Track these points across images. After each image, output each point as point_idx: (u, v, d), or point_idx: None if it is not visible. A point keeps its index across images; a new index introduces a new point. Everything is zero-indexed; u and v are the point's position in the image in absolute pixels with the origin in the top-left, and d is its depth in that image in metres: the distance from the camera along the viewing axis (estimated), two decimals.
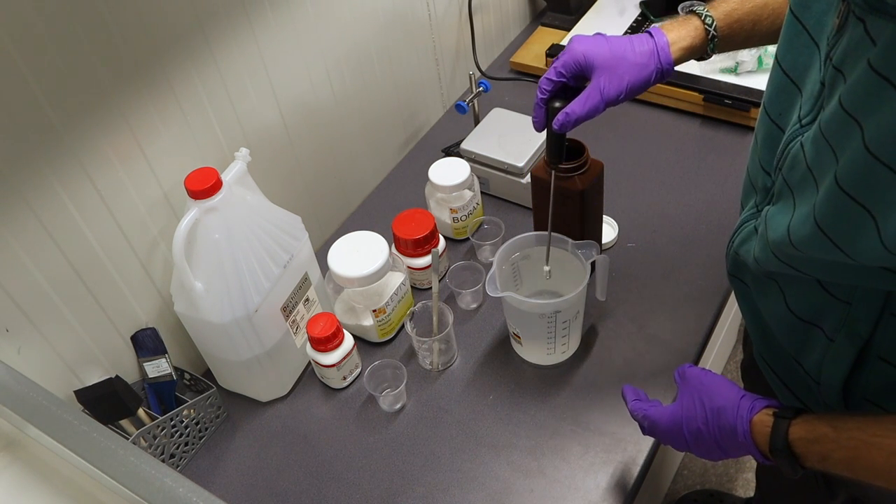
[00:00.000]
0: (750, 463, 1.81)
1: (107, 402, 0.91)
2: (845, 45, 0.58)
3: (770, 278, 0.77)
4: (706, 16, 0.81)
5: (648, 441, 0.94)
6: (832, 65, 0.60)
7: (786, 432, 0.68)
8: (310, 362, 1.07)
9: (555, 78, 0.82)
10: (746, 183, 0.81)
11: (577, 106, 0.81)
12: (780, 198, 0.69)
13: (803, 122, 0.65)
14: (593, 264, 0.98)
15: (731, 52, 1.33)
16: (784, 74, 0.69)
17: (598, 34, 0.83)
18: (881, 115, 0.53)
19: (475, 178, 1.18)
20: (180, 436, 0.97)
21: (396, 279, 1.07)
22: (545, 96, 0.84)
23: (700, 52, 0.84)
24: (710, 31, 0.81)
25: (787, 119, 0.69)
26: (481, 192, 1.24)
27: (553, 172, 0.93)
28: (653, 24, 1.49)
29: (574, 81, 0.83)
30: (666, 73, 0.82)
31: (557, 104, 0.83)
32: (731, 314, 1.66)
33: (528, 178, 1.18)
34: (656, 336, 1.05)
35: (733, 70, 1.36)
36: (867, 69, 0.54)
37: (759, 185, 0.76)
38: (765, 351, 0.86)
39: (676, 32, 0.82)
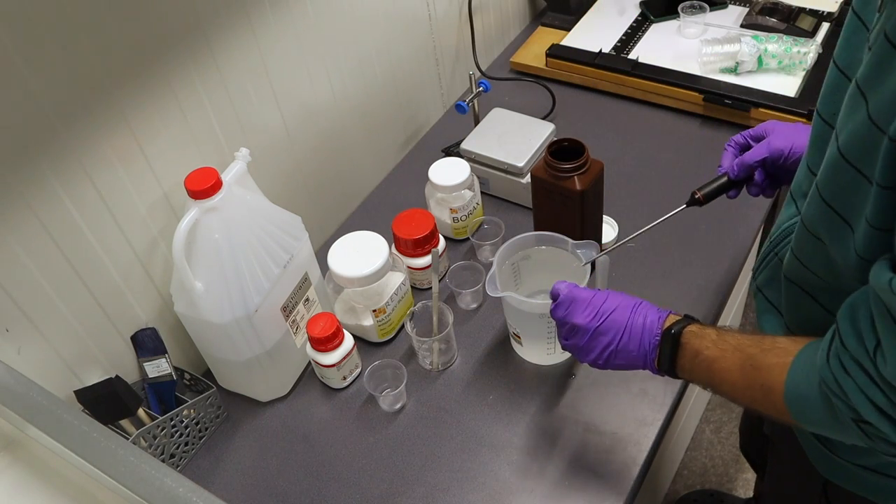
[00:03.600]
0: None
1: (107, 402, 0.91)
2: (881, 22, 0.58)
3: (801, 290, 0.75)
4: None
5: (648, 441, 0.94)
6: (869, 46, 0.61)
7: (685, 325, 0.77)
8: (310, 362, 1.07)
9: (739, 141, 0.95)
10: (787, 197, 0.82)
11: (750, 158, 0.91)
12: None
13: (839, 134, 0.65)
14: (593, 264, 0.98)
15: (730, 52, 1.34)
16: (840, 72, 0.69)
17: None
18: (887, 84, 0.53)
19: (475, 178, 1.18)
20: (180, 436, 0.97)
21: (396, 279, 1.07)
22: (730, 156, 0.95)
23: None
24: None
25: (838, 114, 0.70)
26: (481, 192, 1.24)
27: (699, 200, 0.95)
28: (652, 24, 1.49)
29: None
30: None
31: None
32: (731, 314, 1.66)
33: (528, 178, 1.18)
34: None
35: (733, 70, 1.36)
36: (883, 39, 0.54)
37: (802, 191, 0.76)
38: None
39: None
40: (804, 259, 0.71)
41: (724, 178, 0.93)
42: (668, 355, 0.78)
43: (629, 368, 0.82)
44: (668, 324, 0.79)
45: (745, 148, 0.95)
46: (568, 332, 0.85)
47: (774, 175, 0.93)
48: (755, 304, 0.88)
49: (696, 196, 0.93)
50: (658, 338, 0.79)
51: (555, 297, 0.85)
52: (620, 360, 0.81)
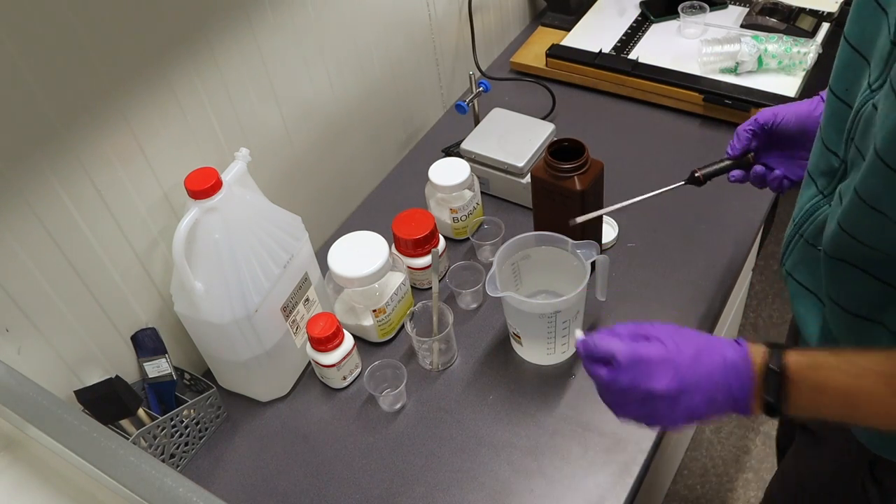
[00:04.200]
0: (750, 463, 1.81)
1: (107, 402, 0.91)
2: None
3: (851, 266, 0.71)
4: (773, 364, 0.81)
5: (648, 441, 0.94)
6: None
7: (781, 356, 0.64)
8: (310, 362, 1.07)
9: (750, 128, 0.95)
10: (805, 178, 0.83)
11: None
12: (853, 167, 0.69)
13: (873, 86, 0.66)
14: (593, 264, 0.98)
15: (730, 52, 1.34)
16: (852, 49, 0.70)
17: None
18: None
19: (475, 178, 1.18)
20: (180, 436, 0.97)
21: (396, 279, 1.07)
22: (739, 148, 0.96)
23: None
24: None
25: (854, 92, 0.70)
26: (481, 192, 1.24)
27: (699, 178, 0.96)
28: (652, 24, 1.49)
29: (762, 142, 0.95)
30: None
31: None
32: (732, 314, 1.66)
33: (528, 178, 1.18)
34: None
35: (733, 70, 1.36)
36: None
37: (821, 170, 0.77)
38: None
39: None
40: (859, 234, 0.66)
41: (726, 160, 0.94)
42: (774, 394, 0.65)
43: (709, 422, 0.75)
44: (755, 358, 0.66)
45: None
46: (637, 402, 0.68)
47: (771, 146, 0.94)
48: (788, 290, 0.87)
49: (696, 175, 0.93)
50: (752, 380, 0.65)
51: (606, 359, 0.69)
52: (705, 415, 0.67)
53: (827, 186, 0.77)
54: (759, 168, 0.96)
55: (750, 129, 0.93)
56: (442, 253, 1.14)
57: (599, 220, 1.11)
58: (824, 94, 0.84)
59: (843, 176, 0.73)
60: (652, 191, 0.93)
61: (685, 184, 0.93)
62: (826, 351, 0.66)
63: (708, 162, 0.97)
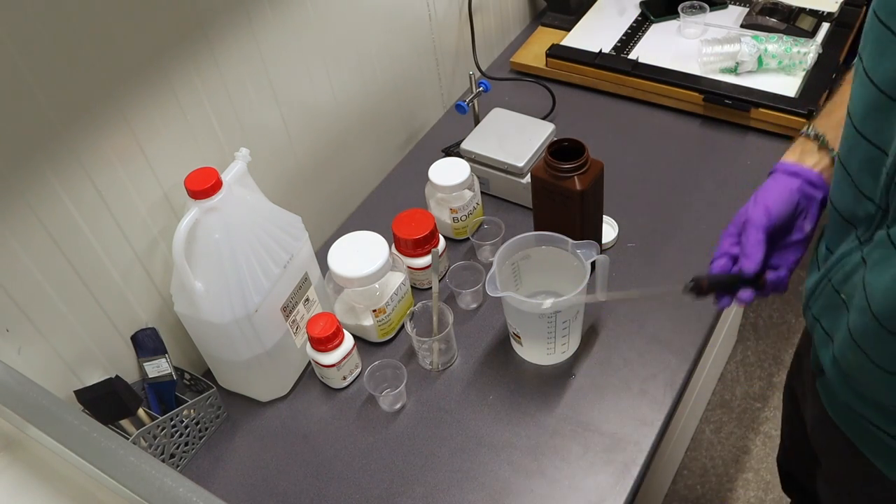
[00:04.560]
0: (750, 463, 1.81)
1: (107, 402, 0.91)
2: None
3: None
4: (807, 129, 0.84)
5: (648, 441, 0.94)
6: None
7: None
8: (310, 362, 1.07)
9: (731, 235, 0.88)
10: (835, 220, 0.76)
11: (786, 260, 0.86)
12: None
13: None
14: (593, 264, 0.98)
15: (730, 52, 1.34)
16: (877, 90, 0.64)
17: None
18: None
19: (475, 178, 1.19)
20: (180, 436, 0.97)
21: (396, 279, 1.07)
22: (725, 252, 0.88)
23: (818, 151, 0.84)
24: (810, 133, 0.84)
25: (888, 135, 0.64)
26: (481, 192, 1.24)
27: None
28: (652, 24, 1.49)
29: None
30: (800, 172, 0.84)
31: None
32: (732, 314, 1.66)
33: (528, 178, 1.18)
34: (656, 336, 1.05)
35: (733, 70, 1.36)
36: None
37: (860, 216, 0.71)
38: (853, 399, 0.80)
39: (792, 152, 0.86)
40: None
41: (736, 275, 0.83)
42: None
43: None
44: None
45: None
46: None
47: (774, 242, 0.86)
48: (814, 336, 0.82)
49: (701, 283, 0.82)
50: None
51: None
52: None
53: (865, 233, 0.71)
54: (772, 275, 0.84)
55: (761, 238, 0.83)
56: (442, 253, 1.15)
57: (599, 220, 1.11)
58: (791, 168, 0.83)
59: (881, 222, 0.68)
60: (650, 285, 0.88)
61: (684, 292, 0.84)
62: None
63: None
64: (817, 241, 0.85)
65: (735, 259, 0.86)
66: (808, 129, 0.85)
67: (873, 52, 0.64)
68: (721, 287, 0.83)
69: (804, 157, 0.85)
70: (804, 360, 0.99)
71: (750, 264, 0.82)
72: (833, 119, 0.83)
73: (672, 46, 1.44)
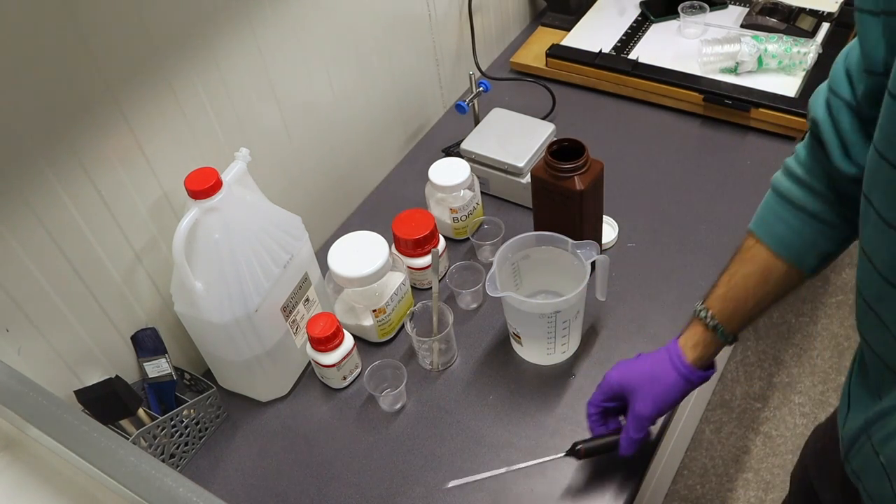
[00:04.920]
0: (750, 463, 1.81)
1: (107, 402, 0.91)
2: None
3: None
4: (700, 310, 0.82)
5: (648, 441, 0.94)
6: None
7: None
8: (310, 362, 1.07)
9: (597, 405, 0.88)
10: (876, 365, 0.70)
11: (632, 432, 0.85)
12: None
13: None
14: (593, 264, 0.98)
15: (730, 52, 1.34)
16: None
17: (627, 360, 0.87)
18: None
19: (475, 178, 1.18)
20: (180, 436, 0.97)
21: (396, 279, 1.07)
22: (595, 424, 0.89)
23: (716, 343, 0.82)
24: (709, 323, 0.81)
25: None
26: (481, 192, 1.24)
27: None
28: (652, 24, 1.49)
29: (614, 402, 0.88)
30: (694, 378, 0.82)
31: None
32: None
33: (528, 178, 1.18)
34: (656, 336, 1.05)
35: (733, 70, 1.36)
36: None
37: None
38: None
39: (684, 336, 0.83)
40: None
41: (609, 436, 0.88)
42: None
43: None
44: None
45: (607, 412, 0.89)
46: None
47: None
48: (860, 492, 0.76)
49: (578, 448, 0.87)
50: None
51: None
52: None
53: None
54: (623, 438, 0.86)
55: (601, 406, 0.87)
56: (442, 253, 1.14)
57: (599, 220, 1.11)
58: (687, 372, 0.81)
59: None
60: (535, 458, 0.90)
61: (565, 456, 0.88)
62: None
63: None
64: (850, 374, 0.79)
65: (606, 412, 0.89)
66: (707, 315, 0.82)
67: (886, 197, 0.59)
68: (598, 451, 0.88)
69: (704, 353, 0.83)
70: (830, 453, 0.92)
71: (593, 429, 0.88)
72: (729, 301, 0.81)
73: (672, 46, 1.44)
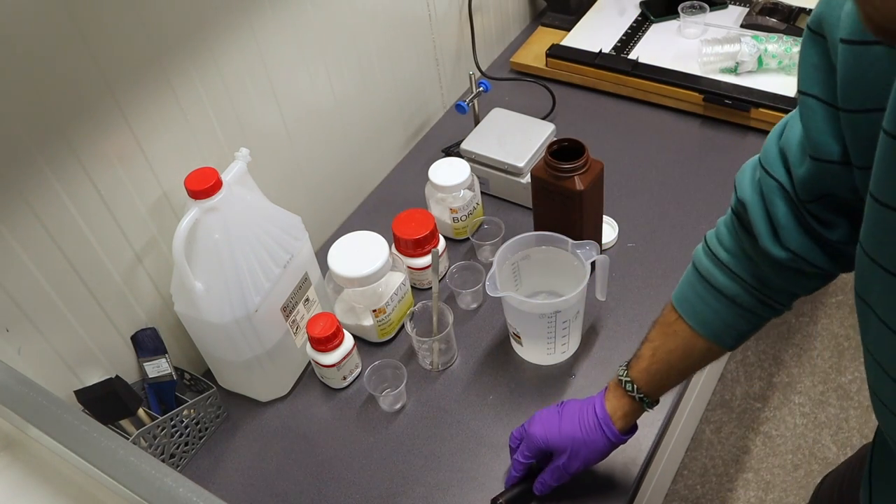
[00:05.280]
0: (750, 463, 1.81)
1: (107, 402, 0.91)
2: None
3: None
4: (626, 382, 0.83)
5: (648, 441, 0.94)
6: None
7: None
8: (310, 362, 1.07)
9: (523, 461, 0.89)
10: (892, 465, 0.72)
11: (550, 480, 0.88)
12: None
13: None
14: (593, 264, 0.98)
15: (730, 52, 1.34)
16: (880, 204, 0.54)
17: (549, 413, 0.88)
18: None
19: (475, 178, 1.18)
20: (180, 436, 0.97)
21: (396, 279, 1.07)
22: (519, 474, 0.90)
23: (641, 411, 0.85)
24: (634, 395, 0.83)
25: None
26: (481, 192, 1.24)
27: None
28: (652, 24, 1.49)
29: (539, 458, 0.89)
30: (619, 442, 0.85)
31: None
32: None
33: (527, 178, 1.18)
34: None
35: (733, 70, 1.36)
36: None
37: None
38: None
39: (612, 403, 0.85)
40: None
41: (523, 484, 0.90)
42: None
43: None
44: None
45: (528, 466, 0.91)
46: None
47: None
48: None
49: (499, 502, 0.89)
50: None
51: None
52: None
53: None
54: (537, 485, 0.89)
55: (526, 458, 0.88)
56: (442, 253, 1.14)
57: (599, 220, 1.11)
58: (610, 434, 0.83)
59: None
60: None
61: None
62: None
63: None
64: (870, 458, 0.79)
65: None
66: (634, 389, 0.83)
67: (884, 301, 0.56)
68: (518, 501, 0.90)
69: (631, 420, 0.85)
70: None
71: (514, 472, 0.90)
72: (653, 374, 0.82)
73: (672, 46, 1.44)
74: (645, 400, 0.83)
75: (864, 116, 0.53)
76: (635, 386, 0.82)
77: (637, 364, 0.83)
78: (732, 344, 0.78)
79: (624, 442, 0.85)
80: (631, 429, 0.86)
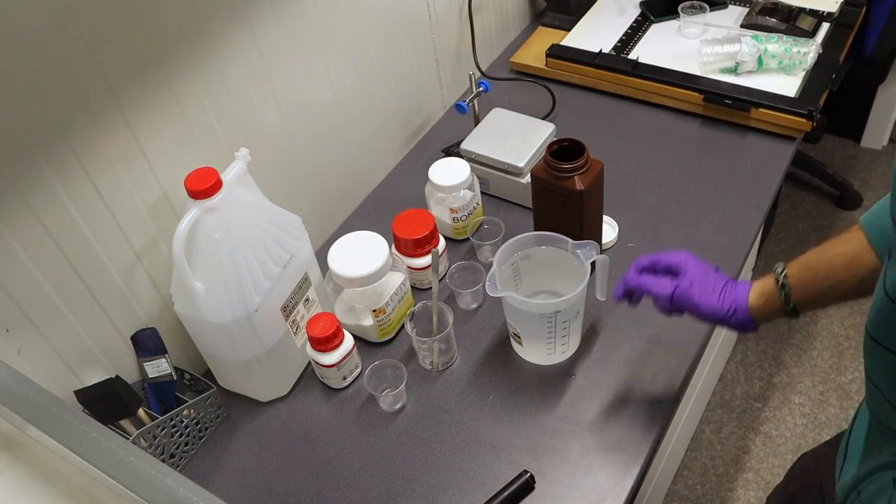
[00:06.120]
0: (750, 463, 1.81)
1: (107, 402, 0.91)
2: None
3: None
4: (777, 266, 0.83)
5: (648, 441, 0.94)
6: None
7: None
8: (310, 362, 1.07)
9: (645, 264, 0.90)
10: (873, 429, 0.74)
11: (651, 285, 0.89)
12: None
13: None
14: (593, 264, 0.98)
15: (730, 52, 1.34)
16: (892, 302, 0.61)
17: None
18: None
19: (475, 178, 1.18)
20: (180, 436, 0.97)
21: (396, 279, 1.07)
22: (625, 286, 0.91)
23: (778, 302, 0.82)
24: (780, 279, 0.81)
25: None
26: (481, 192, 1.24)
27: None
28: (652, 24, 1.49)
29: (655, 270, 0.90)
30: (738, 311, 0.84)
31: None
32: None
33: (528, 178, 1.18)
34: (656, 336, 1.05)
35: (733, 70, 1.36)
36: None
37: None
38: None
39: (757, 282, 0.84)
40: None
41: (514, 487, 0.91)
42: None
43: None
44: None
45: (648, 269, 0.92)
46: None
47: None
48: None
49: None
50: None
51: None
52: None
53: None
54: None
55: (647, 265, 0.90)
56: (442, 253, 1.14)
57: (599, 220, 1.11)
58: (739, 299, 0.83)
59: None
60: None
61: None
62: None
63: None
64: (851, 425, 0.81)
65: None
66: (781, 272, 0.82)
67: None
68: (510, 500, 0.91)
69: (763, 306, 0.84)
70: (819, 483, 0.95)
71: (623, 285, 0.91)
72: (809, 269, 0.82)
73: (672, 46, 1.44)
74: (787, 288, 0.80)
75: None
76: (785, 271, 0.80)
77: (798, 258, 0.81)
78: None
79: (739, 316, 0.83)
80: (755, 320, 0.83)
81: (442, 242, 1.14)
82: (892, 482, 0.69)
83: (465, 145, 1.24)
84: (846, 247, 0.78)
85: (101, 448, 0.64)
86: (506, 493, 0.90)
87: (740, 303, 0.83)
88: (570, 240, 0.98)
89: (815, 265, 0.80)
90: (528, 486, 0.91)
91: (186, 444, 0.99)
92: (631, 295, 0.91)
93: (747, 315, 0.83)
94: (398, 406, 1.03)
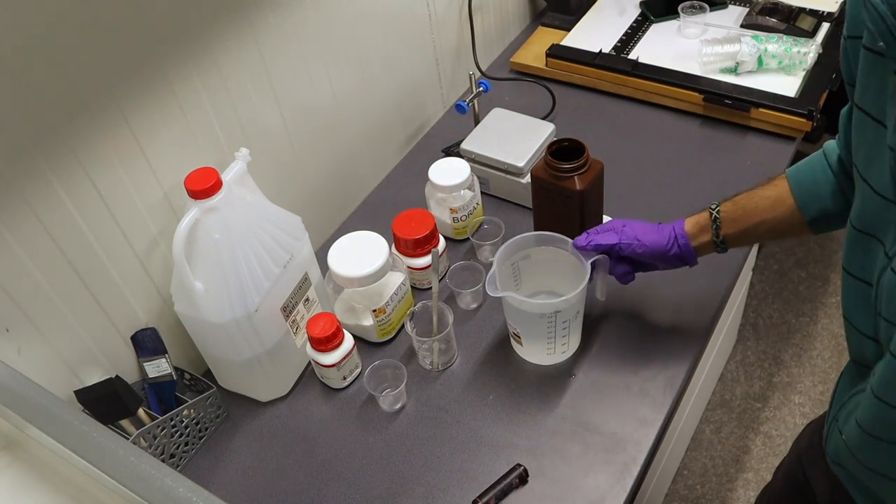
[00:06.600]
0: (750, 463, 1.81)
1: (107, 402, 0.91)
2: None
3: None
4: (713, 203, 0.93)
5: (648, 441, 0.94)
6: None
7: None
8: (310, 362, 1.07)
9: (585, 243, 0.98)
10: (850, 372, 0.80)
11: (598, 237, 0.97)
12: (889, 341, 0.64)
13: (890, 253, 0.64)
14: (593, 264, 0.98)
15: (730, 52, 1.34)
16: (861, 233, 0.69)
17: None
18: None
19: (475, 178, 1.18)
20: (180, 436, 0.97)
21: (396, 279, 1.07)
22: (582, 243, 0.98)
23: (710, 234, 0.93)
24: (713, 213, 0.93)
25: (871, 269, 0.68)
26: (481, 192, 1.24)
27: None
28: (652, 24, 1.49)
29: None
30: (678, 237, 0.94)
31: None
32: (732, 314, 1.66)
33: (528, 178, 1.18)
34: (656, 336, 1.05)
35: (733, 70, 1.36)
36: None
37: (870, 359, 0.73)
38: None
39: (692, 216, 0.95)
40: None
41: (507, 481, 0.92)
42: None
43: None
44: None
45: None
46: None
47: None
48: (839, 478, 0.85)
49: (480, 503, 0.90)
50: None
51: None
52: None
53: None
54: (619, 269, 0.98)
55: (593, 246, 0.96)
56: (442, 253, 1.14)
57: (599, 220, 1.11)
58: (678, 228, 0.94)
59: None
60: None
61: None
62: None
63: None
64: (839, 377, 0.85)
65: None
66: (716, 208, 0.93)
67: (858, 203, 0.69)
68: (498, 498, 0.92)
69: (698, 235, 0.94)
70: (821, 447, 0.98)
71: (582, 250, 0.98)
72: (738, 206, 0.93)
73: (672, 46, 1.44)
74: (718, 221, 0.91)
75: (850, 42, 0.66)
76: (719, 206, 0.92)
77: (730, 198, 0.93)
78: (811, 216, 0.86)
79: (681, 242, 0.93)
80: (692, 249, 0.94)
81: (442, 242, 1.14)
82: (857, 405, 0.74)
83: (465, 145, 1.24)
84: (772, 191, 0.89)
85: (101, 448, 0.64)
86: (499, 487, 0.91)
87: (680, 231, 0.93)
88: (570, 240, 0.98)
89: (744, 203, 0.91)
90: (521, 479, 0.91)
91: (186, 444, 0.99)
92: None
93: (688, 241, 0.93)
94: (398, 406, 1.03)
